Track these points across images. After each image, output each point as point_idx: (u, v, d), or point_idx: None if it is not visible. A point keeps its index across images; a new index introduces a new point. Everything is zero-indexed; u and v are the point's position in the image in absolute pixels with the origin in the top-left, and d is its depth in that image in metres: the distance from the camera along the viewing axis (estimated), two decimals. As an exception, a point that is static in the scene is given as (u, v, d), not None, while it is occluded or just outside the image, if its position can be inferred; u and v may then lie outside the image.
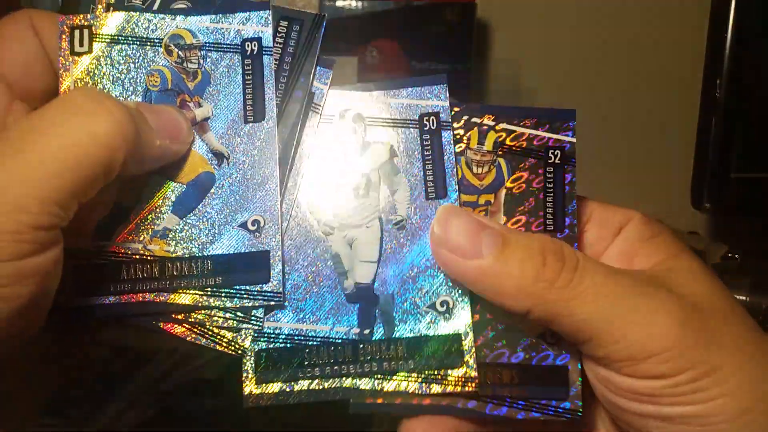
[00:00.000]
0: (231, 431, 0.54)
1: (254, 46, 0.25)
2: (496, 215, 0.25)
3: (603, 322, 0.22)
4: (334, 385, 0.24)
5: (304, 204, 0.25)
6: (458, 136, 0.25)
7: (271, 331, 0.25)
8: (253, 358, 0.25)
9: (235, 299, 0.24)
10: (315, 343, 0.24)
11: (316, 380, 0.24)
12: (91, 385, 0.53)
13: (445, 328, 0.24)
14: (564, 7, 0.76)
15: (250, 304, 0.24)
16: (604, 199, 0.29)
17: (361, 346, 0.24)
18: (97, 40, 0.25)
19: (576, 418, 0.25)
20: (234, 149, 0.25)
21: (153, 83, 0.25)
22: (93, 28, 0.25)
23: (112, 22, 0.25)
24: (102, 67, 0.25)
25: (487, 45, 0.77)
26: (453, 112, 0.25)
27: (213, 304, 0.24)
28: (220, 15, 0.25)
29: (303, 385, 0.25)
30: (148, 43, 0.25)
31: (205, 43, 0.25)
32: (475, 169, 0.25)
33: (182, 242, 0.25)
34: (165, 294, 0.24)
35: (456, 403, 0.24)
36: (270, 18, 0.25)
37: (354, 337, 0.24)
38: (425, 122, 0.25)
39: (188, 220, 0.25)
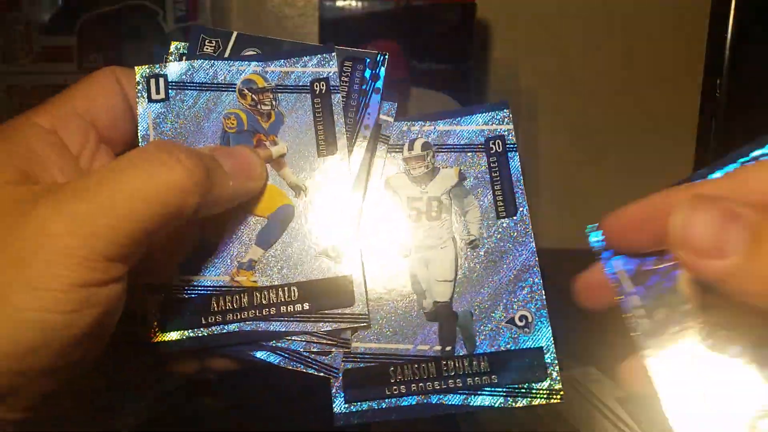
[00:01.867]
0: (231, 431, 0.54)
1: (322, 85, 0.27)
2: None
3: None
4: (421, 402, 0.25)
5: (381, 228, 0.26)
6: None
7: (357, 351, 0.26)
8: (341, 378, 0.25)
9: (324, 323, 0.25)
10: (399, 361, 0.25)
11: (403, 398, 0.25)
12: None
13: (525, 342, 0.25)
14: (564, 7, 0.76)
15: (338, 327, 0.25)
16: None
17: (444, 363, 0.25)
18: (173, 87, 0.27)
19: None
20: (310, 182, 0.26)
21: (230, 126, 0.27)
22: (167, 76, 0.27)
23: (186, 70, 0.27)
24: (179, 113, 0.27)
25: (487, 45, 0.77)
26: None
27: (303, 330, 0.25)
28: (289, 59, 0.27)
29: (391, 402, 0.25)
30: (223, 89, 0.27)
31: (277, 85, 0.27)
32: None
33: (267, 272, 0.26)
34: (255, 323, 0.25)
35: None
36: (335, 59, 0.27)
37: (436, 354, 0.25)
38: (491, 145, 0.27)
39: (272, 251, 0.26)
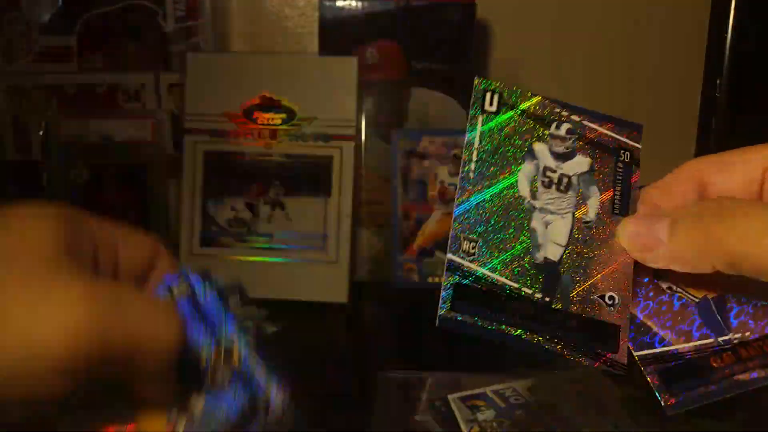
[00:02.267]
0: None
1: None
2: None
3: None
4: (513, 333, 0.29)
5: (520, 180, 0.30)
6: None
7: (469, 271, 0.29)
8: (451, 289, 0.28)
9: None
10: (503, 293, 0.29)
11: (501, 324, 0.29)
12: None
13: (609, 316, 0.29)
14: (564, 7, 0.76)
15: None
16: None
17: (542, 308, 0.29)
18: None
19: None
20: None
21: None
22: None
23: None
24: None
25: (487, 45, 0.77)
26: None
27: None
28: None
29: (487, 324, 0.29)
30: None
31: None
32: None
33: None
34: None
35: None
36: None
37: (537, 299, 0.29)
38: (621, 154, 0.31)
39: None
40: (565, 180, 0.31)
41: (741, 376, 0.29)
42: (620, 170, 0.31)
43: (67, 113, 0.72)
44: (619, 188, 0.31)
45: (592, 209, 0.30)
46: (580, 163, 0.31)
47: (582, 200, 0.30)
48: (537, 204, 0.30)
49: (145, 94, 0.73)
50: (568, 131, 0.31)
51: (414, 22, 0.71)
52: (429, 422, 0.51)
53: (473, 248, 0.29)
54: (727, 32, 0.65)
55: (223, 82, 0.70)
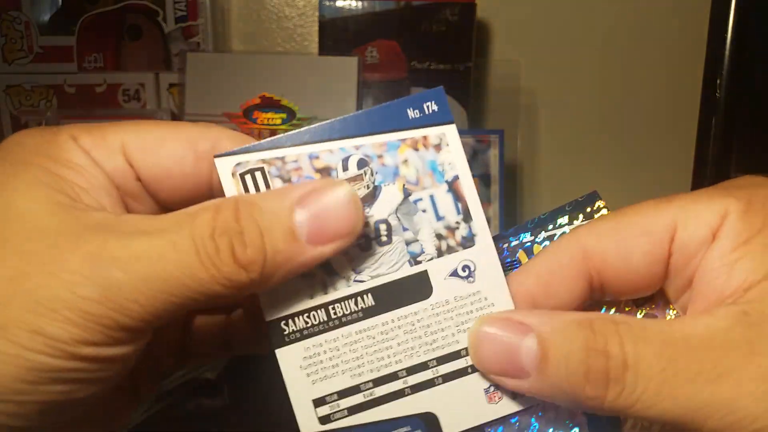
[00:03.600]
0: (231, 431, 0.54)
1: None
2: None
3: (676, 419, 0.20)
4: None
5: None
6: (513, 262, 0.25)
7: None
8: None
9: None
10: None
11: None
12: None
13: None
14: (564, 6, 0.76)
15: None
16: (605, 198, 0.27)
17: None
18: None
19: None
20: None
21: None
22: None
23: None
24: None
25: (487, 45, 0.77)
26: (500, 244, 0.26)
27: None
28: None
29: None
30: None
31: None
32: None
33: None
34: None
35: None
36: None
37: None
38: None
39: None
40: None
41: None
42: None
43: (66, 113, 0.72)
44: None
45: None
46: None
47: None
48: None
49: (145, 94, 0.73)
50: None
51: (414, 22, 0.71)
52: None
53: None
54: (727, 32, 0.65)
55: (223, 82, 0.69)
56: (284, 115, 0.69)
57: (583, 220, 0.25)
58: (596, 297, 0.24)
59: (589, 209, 0.26)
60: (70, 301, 0.19)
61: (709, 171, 0.67)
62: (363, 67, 0.70)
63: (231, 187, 0.23)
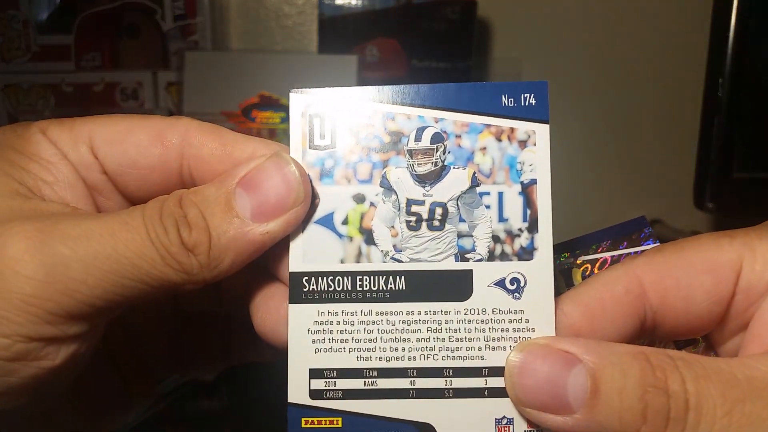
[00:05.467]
0: (231, 431, 0.54)
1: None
2: None
3: None
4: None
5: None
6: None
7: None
8: None
9: None
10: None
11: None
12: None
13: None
14: (565, 5, 0.76)
15: None
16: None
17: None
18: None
19: None
20: None
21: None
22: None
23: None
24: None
25: (487, 43, 0.76)
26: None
27: None
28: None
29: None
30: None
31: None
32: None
33: None
34: None
35: None
36: None
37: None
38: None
39: None
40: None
41: None
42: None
43: (64, 112, 0.72)
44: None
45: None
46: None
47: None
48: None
49: (143, 93, 0.72)
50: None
51: (414, 21, 0.70)
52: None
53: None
54: (729, 31, 0.65)
55: (222, 81, 0.69)
56: (283, 114, 0.69)
57: (627, 247, 0.24)
58: (643, 337, 0.22)
59: (635, 236, 0.24)
60: (14, 283, 0.19)
61: (711, 171, 0.66)
62: (363, 65, 0.70)
63: (297, 125, 0.22)
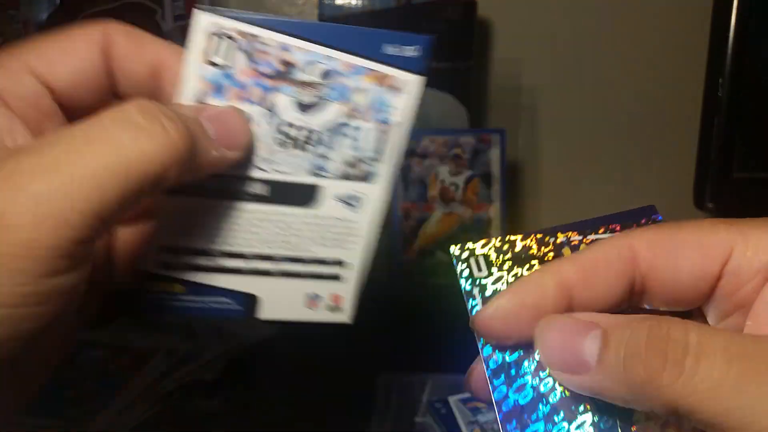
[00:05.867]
0: (231, 431, 0.54)
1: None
2: None
3: (726, 417, 0.18)
4: None
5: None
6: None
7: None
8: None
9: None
10: None
11: None
12: (87, 386, 0.53)
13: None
14: (565, 5, 0.76)
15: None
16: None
17: None
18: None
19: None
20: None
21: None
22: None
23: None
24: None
25: (487, 43, 0.76)
26: (537, 238, 0.24)
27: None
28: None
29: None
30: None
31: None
32: None
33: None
34: None
35: None
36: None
37: None
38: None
39: None
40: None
41: None
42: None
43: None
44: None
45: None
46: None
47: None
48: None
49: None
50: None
51: (414, 21, 0.70)
52: (429, 423, 0.51)
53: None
54: (729, 31, 0.65)
55: (222, 81, 0.69)
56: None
57: None
58: (633, 303, 0.24)
59: (644, 222, 0.25)
60: (8, 235, 0.19)
61: (711, 171, 0.66)
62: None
63: (199, 44, 0.24)
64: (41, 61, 0.23)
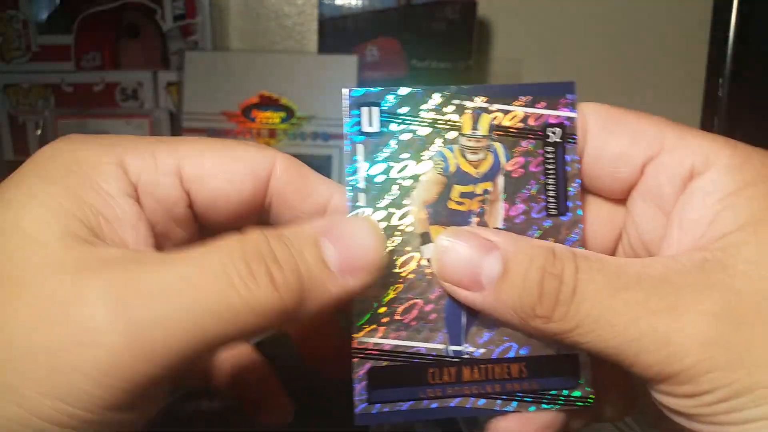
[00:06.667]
0: (231, 431, 0.54)
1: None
2: (495, 204, 0.24)
3: (610, 349, 0.20)
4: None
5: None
6: (450, 122, 0.24)
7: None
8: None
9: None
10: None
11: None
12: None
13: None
14: (565, 5, 0.76)
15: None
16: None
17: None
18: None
19: (588, 405, 0.24)
20: None
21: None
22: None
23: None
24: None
25: (487, 43, 0.76)
26: (442, 96, 0.24)
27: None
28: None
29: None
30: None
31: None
32: (469, 157, 0.24)
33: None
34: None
35: (465, 403, 0.24)
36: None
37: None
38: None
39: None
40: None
41: (457, 402, 0.23)
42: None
43: (64, 112, 0.72)
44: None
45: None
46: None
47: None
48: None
49: (143, 93, 0.72)
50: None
51: (414, 20, 0.70)
52: (429, 424, 0.50)
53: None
54: (729, 30, 0.65)
55: (222, 81, 0.69)
56: (283, 114, 0.69)
57: (545, 108, 0.24)
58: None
59: (556, 99, 0.24)
60: (94, 353, 0.17)
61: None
62: (363, 65, 0.70)
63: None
64: (193, 171, 0.22)
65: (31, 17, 0.71)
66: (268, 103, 0.69)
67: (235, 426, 0.53)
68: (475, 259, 0.22)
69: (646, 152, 0.23)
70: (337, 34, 0.71)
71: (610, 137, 0.23)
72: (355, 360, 0.24)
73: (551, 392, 0.24)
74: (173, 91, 0.72)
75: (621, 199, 0.25)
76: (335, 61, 0.69)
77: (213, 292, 0.18)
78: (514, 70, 0.75)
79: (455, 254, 0.22)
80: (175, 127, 0.71)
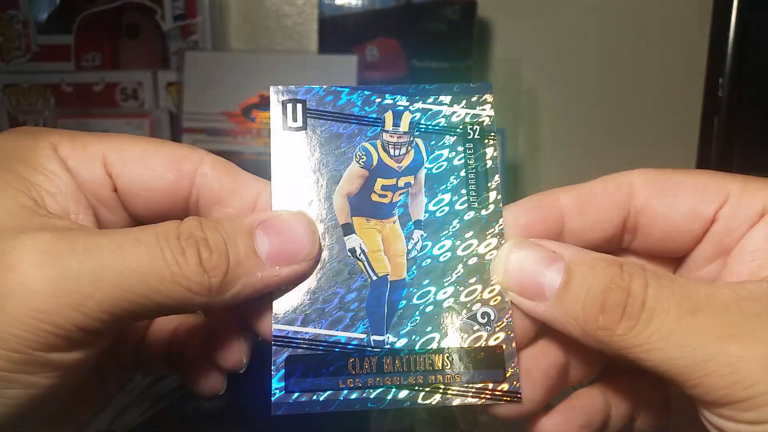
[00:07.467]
0: (231, 431, 0.54)
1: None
2: (417, 196, 0.25)
3: (675, 369, 0.20)
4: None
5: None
6: (373, 120, 0.26)
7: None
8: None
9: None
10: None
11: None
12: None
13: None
14: (565, 5, 0.76)
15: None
16: None
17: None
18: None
19: (516, 401, 0.24)
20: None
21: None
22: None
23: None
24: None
25: (487, 43, 0.76)
26: (364, 96, 0.26)
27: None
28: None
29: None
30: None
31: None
32: (392, 152, 0.25)
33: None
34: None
35: (387, 395, 0.24)
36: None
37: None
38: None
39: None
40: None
41: (377, 393, 0.23)
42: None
43: (64, 112, 0.72)
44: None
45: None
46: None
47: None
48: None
49: (143, 93, 0.72)
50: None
51: (414, 21, 0.70)
52: (426, 422, 0.51)
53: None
54: (729, 30, 0.65)
55: (222, 81, 0.69)
56: (283, 114, 0.69)
57: (465, 107, 0.26)
58: (625, 244, 0.25)
59: (475, 98, 0.26)
60: (23, 297, 0.19)
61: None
62: (363, 65, 0.70)
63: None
64: (118, 157, 0.24)
65: (31, 17, 0.71)
66: (268, 103, 0.69)
67: (234, 426, 0.53)
68: (540, 269, 0.22)
69: (714, 205, 0.23)
70: (337, 34, 0.71)
71: (674, 200, 0.23)
72: (274, 347, 0.24)
73: (476, 385, 0.23)
74: (173, 91, 0.72)
75: (682, 256, 0.25)
76: (335, 61, 0.69)
77: (144, 258, 0.20)
78: (514, 70, 0.75)
79: (519, 264, 0.23)
80: (175, 126, 0.71)
